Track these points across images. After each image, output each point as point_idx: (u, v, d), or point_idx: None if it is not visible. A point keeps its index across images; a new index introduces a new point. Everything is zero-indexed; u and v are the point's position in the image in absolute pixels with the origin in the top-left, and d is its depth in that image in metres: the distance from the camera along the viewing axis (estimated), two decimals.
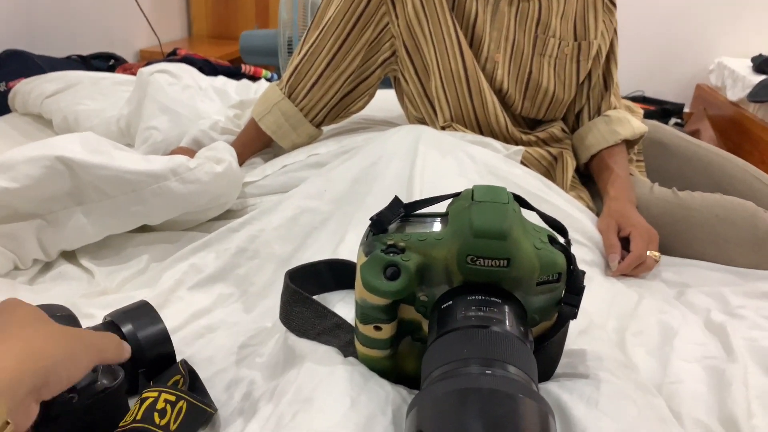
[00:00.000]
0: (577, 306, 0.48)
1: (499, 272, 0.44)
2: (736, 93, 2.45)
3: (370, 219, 0.48)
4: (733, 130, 2.40)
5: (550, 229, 0.50)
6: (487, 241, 0.43)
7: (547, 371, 0.52)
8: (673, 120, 2.68)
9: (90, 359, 0.42)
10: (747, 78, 2.37)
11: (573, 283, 0.48)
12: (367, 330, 0.49)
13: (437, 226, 0.48)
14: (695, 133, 2.47)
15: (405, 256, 0.45)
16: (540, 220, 0.52)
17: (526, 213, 0.50)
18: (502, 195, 0.45)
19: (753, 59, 2.51)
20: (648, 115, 2.60)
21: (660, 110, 2.69)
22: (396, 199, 0.49)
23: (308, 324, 0.59)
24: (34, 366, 0.37)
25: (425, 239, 0.45)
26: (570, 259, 0.47)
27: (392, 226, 0.49)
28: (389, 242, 0.46)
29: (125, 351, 0.48)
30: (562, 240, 0.49)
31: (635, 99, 2.82)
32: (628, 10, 2.67)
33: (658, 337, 0.71)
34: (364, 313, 0.48)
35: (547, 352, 0.51)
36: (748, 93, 2.27)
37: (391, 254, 0.45)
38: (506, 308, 0.44)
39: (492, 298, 0.44)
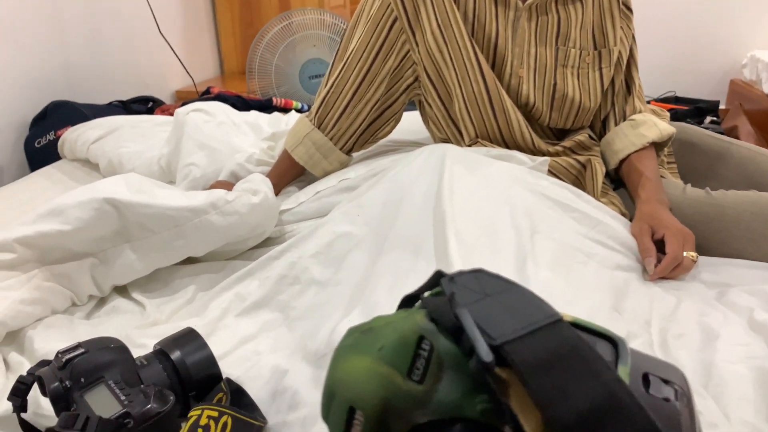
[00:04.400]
0: None
1: None
2: None
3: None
4: None
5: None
6: None
7: None
8: (709, 118, 2.61)
9: None
10: None
11: None
12: None
13: None
14: (733, 129, 2.41)
15: None
16: None
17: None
18: None
19: None
20: (682, 115, 2.55)
21: (694, 109, 2.63)
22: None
23: None
24: None
25: None
26: None
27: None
28: None
29: None
30: None
31: (667, 100, 2.76)
32: (653, 8, 2.66)
33: (700, 340, 0.71)
34: None
35: None
36: None
37: None
38: None
39: None
